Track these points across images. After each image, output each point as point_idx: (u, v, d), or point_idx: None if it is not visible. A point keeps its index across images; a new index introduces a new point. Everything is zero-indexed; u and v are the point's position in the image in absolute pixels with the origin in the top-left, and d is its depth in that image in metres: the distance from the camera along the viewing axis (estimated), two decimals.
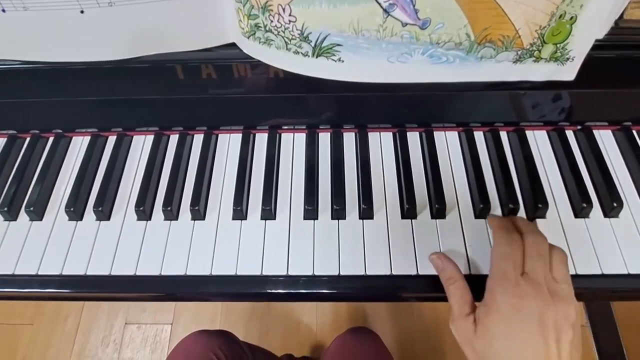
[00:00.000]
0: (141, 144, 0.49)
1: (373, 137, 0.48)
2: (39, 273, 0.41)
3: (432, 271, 0.39)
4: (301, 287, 0.40)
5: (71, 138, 0.50)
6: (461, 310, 0.34)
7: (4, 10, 0.30)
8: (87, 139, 0.49)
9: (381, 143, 0.47)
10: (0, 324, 1.13)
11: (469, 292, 0.35)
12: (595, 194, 0.43)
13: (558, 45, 0.30)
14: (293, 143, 0.48)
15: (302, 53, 0.31)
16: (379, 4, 0.27)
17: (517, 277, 0.32)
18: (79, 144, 0.50)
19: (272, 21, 0.30)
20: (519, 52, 0.30)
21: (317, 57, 0.31)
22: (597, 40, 0.33)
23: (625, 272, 0.39)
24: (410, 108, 0.47)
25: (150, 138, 0.49)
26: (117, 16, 0.31)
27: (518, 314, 0.31)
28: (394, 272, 0.40)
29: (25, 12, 0.30)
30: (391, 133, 0.48)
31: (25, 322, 1.12)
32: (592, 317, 1.07)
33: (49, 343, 1.10)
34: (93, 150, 0.48)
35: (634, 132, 0.47)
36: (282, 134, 0.48)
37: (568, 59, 0.31)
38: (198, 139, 0.49)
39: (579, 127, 0.47)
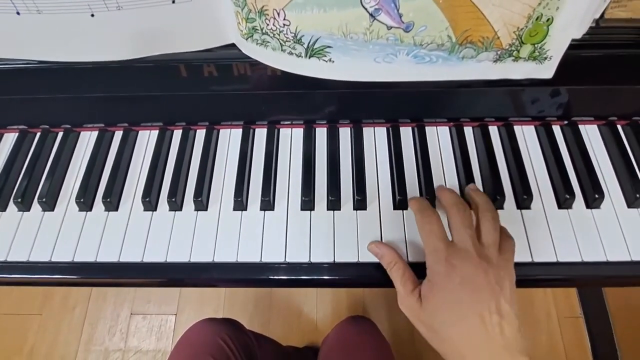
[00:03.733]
0: (146, 139, 0.51)
1: (367, 131, 0.50)
2: (52, 260, 0.44)
3: (421, 259, 0.41)
4: (298, 273, 0.42)
5: (79, 132, 0.52)
6: (405, 288, 0.36)
7: (18, 13, 0.32)
8: (95, 133, 0.52)
9: (375, 137, 0.49)
10: (9, 314, 1.16)
11: (409, 271, 0.37)
12: (579, 185, 0.45)
13: (536, 46, 0.32)
14: (291, 137, 0.50)
15: (295, 54, 0.33)
16: (366, 9, 0.29)
17: (447, 248, 0.35)
18: (87, 138, 0.52)
19: (268, 24, 0.32)
20: (499, 52, 0.32)
21: (309, 57, 0.33)
22: (580, 39, 0.35)
23: (604, 259, 0.41)
24: (403, 104, 0.49)
25: (155, 133, 0.51)
26: (124, 19, 0.33)
27: (452, 282, 0.33)
28: None
29: (39, 15, 0.32)
30: (385, 128, 0.50)
31: (33, 312, 1.16)
32: (586, 308, 1.09)
33: (57, 333, 1.13)
34: (101, 144, 0.50)
35: (619, 126, 0.48)
36: (281, 129, 0.51)
37: (546, 58, 0.33)
38: (200, 134, 0.51)
39: (565, 122, 0.49)
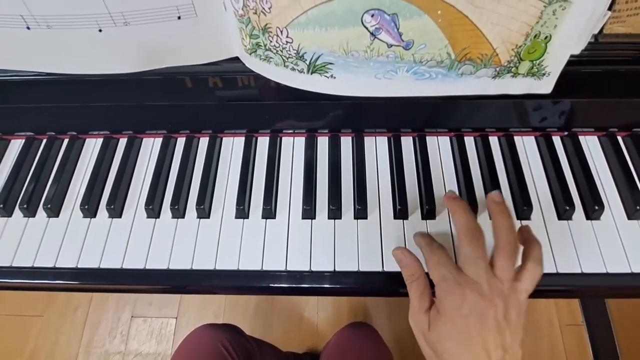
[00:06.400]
0: (150, 146, 0.52)
1: (369, 141, 0.50)
2: (56, 266, 0.44)
3: None
4: (299, 282, 0.43)
5: (85, 140, 0.53)
6: (420, 306, 0.35)
7: (28, 28, 0.33)
8: (100, 140, 0.52)
9: (376, 147, 0.50)
10: (12, 316, 1.17)
11: (429, 289, 0.36)
12: (579, 197, 0.46)
13: (534, 62, 0.33)
14: (293, 146, 0.51)
15: (298, 70, 0.34)
16: (366, 28, 0.30)
17: (457, 277, 0.33)
18: (92, 146, 0.52)
19: (271, 41, 0.32)
20: (497, 69, 0.33)
21: (311, 73, 0.34)
22: (579, 55, 0.35)
23: (604, 271, 0.42)
24: (405, 114, 0.49)
25: (159, 140, 0.52)
26: (131, 34, 0.34)
27: (460, 312, 0.32)
28: (385, 269, 0.42)
29: (49, 30, 0.33)
30: (386, 137, 0.50)
31: (35, 314, 1.16)
32: (588, 316, 1.09)
33: (58, 334, 1.14)
34: (105, 152, 0.51)
35: (619, 138, 0.49)
36: (283, 138, 0.51)
37: (544, 74, 0.34)
38: (204, 142, 0.51)
39: (565, 133, 0.49)
